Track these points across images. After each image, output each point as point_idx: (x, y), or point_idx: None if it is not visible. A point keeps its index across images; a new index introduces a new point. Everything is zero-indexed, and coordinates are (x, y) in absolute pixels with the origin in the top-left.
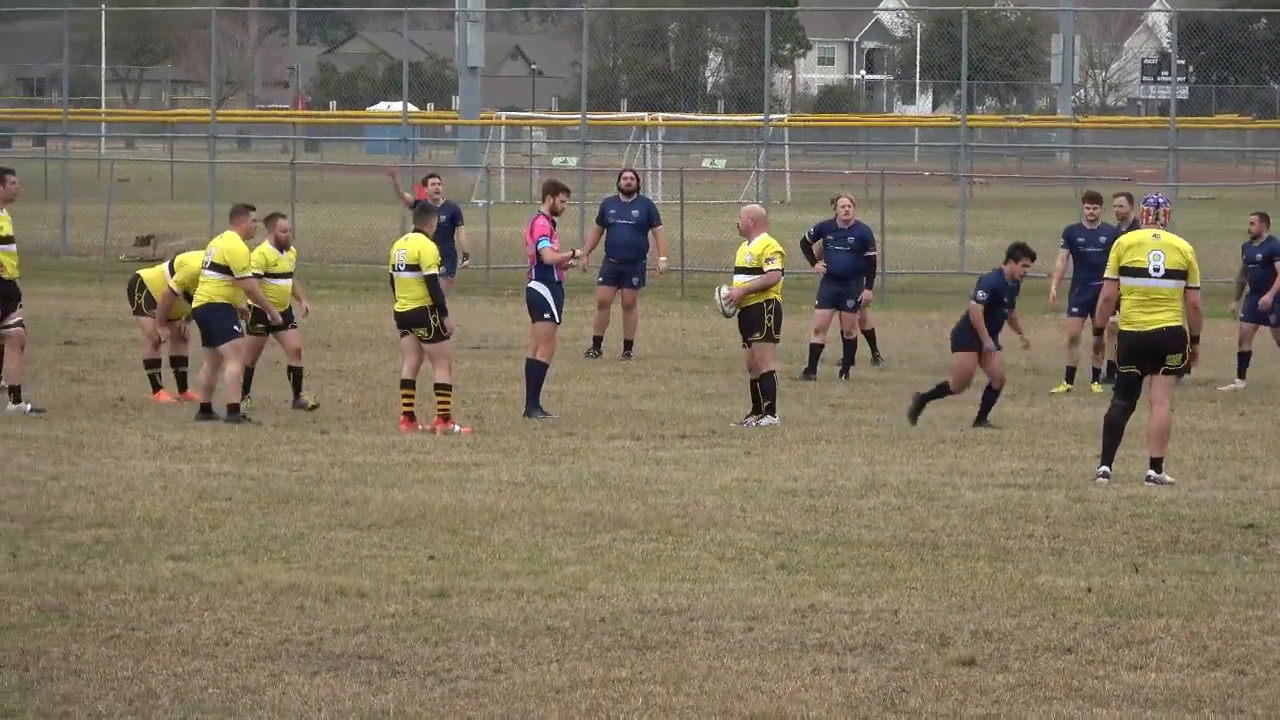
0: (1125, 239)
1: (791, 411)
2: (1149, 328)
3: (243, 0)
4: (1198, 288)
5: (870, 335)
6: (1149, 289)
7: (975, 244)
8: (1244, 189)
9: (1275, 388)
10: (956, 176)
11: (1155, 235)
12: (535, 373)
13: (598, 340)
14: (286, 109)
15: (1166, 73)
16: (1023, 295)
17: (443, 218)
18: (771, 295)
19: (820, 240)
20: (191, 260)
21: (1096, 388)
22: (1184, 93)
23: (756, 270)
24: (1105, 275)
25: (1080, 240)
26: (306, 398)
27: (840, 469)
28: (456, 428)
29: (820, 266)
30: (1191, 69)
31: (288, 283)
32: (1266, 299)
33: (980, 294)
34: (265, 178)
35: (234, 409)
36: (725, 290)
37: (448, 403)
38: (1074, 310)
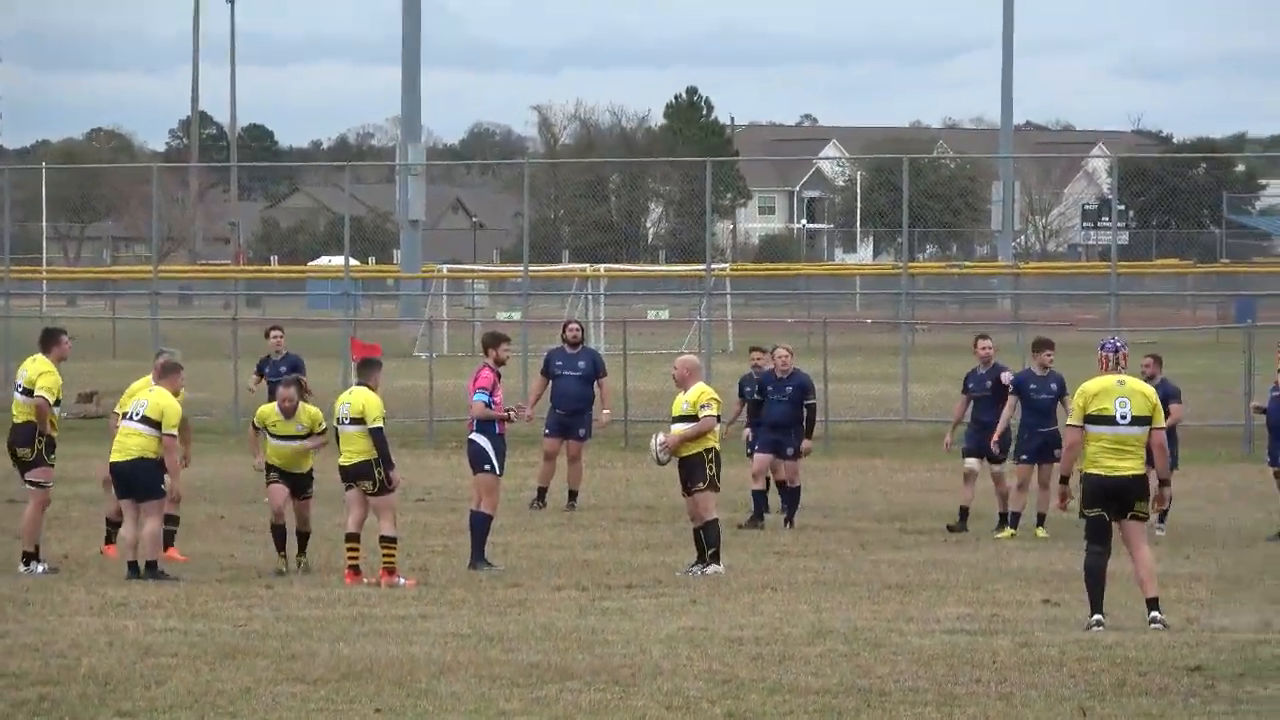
0: (1090, 386)
1: (737, 559)
2: (1116, 474)
3: (184, 156)
4: (1162, 428)
5: (795, 493)
6: (1117, 436)
7: (918, 391)
8: (1185, 333)
9: (1218, 530)
10: (898, 324)
11: (1120, 381)
12: (479, 525)
13: (542, 491)
14: (228, 264)
15: (1107, 218)
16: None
17: (283, 369)
18: (711, 444)
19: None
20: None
21: (1040, 532)
22: (1124, 238)
23: (694, 418)
24: (1070, 423)
25: (1032, 387)
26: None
27: (787, 616)
28: (402, 580)
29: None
30: (1132, 214)
31: (289, 444)
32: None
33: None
34: (208, 333)
35: (154, 565)
36: (661, 438)
37: (393, 556)
38: (1023, 457)
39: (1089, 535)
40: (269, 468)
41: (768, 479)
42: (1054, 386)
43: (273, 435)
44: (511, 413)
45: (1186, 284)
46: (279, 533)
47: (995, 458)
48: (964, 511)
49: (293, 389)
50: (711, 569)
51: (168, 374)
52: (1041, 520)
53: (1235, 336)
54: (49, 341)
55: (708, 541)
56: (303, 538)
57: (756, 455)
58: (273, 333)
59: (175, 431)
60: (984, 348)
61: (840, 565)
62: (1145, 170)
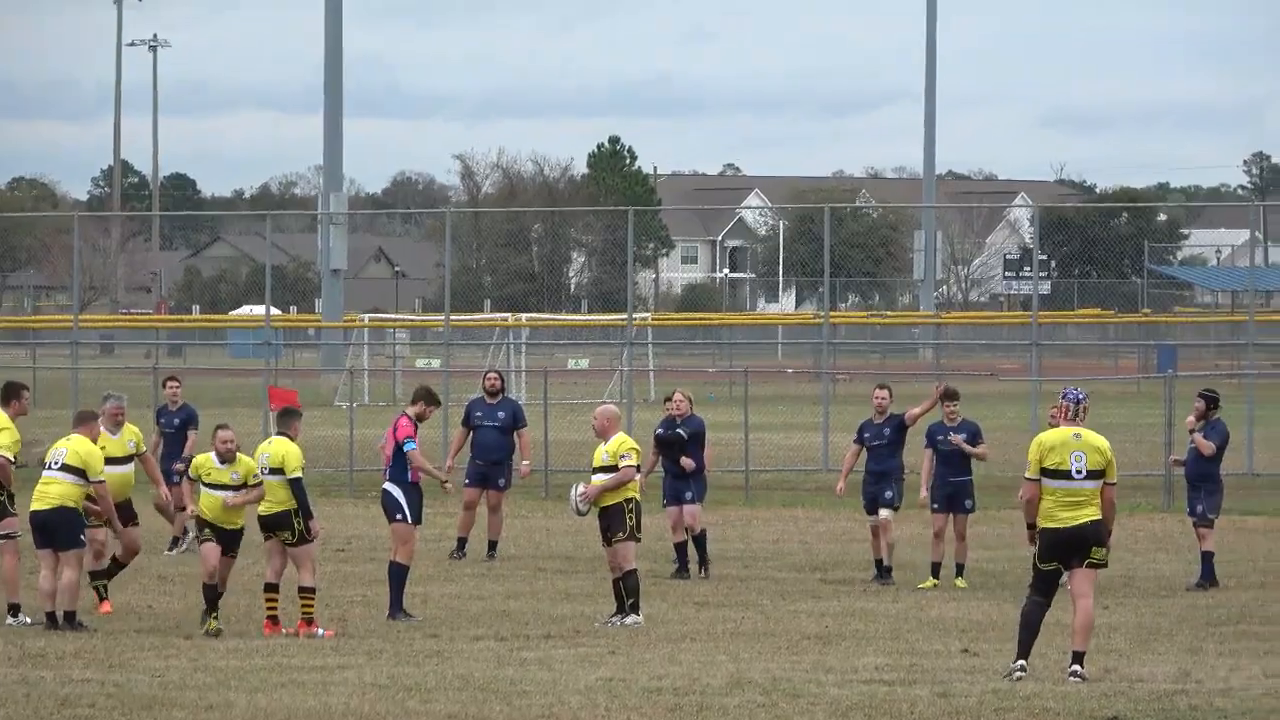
0: (1045, 438)
1: (656, 609)
2: (1073, 523)
3: (106, 205)
4: (1114, 484)
5: (701, 538)
6: (1071, 490)
7: (838, 440)
8: (1106, 383)
9: (1138, 579)
10: (820, 373)
11: (1076, 435)
12: (397, 574)
13: (462, 541)
14: (150, 313)
15: (1028, 268)
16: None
17: (176, 421)
18: (631, 494)
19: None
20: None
21: (960, 582)
22: (1046, 287)
23: (614, 469)
24: (1026, 475)
25: (940, 438)
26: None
27: (705, 667)
28: (320, 631)
29: (687, 462)
30: (1054, 264)
31: (221, 494)
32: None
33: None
34: (129, 382)
35: (72, 616)
36: (580, 489)
37: (312, 605)
38: (935, 506)
39: (1034, 585)
40: (201, 524)
41: (688, 529)
42: (962, 436)
43: (206, 484)
44: (448, 486)
45: (1108, 334)
46: (211, 592)
47: (887, 504)
48: (879, 563)
49: (230, 431)
50: (631, 619)
51: (86, 422)
52: (960, 570)
53: (1156, 386)
54: (9, 395)
55: (627, 592)
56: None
57: (667, 509)
58: (169, 383)
59: (104, 478)
60: (879, 397)
61: (759, 615)
62: (1067, 220)
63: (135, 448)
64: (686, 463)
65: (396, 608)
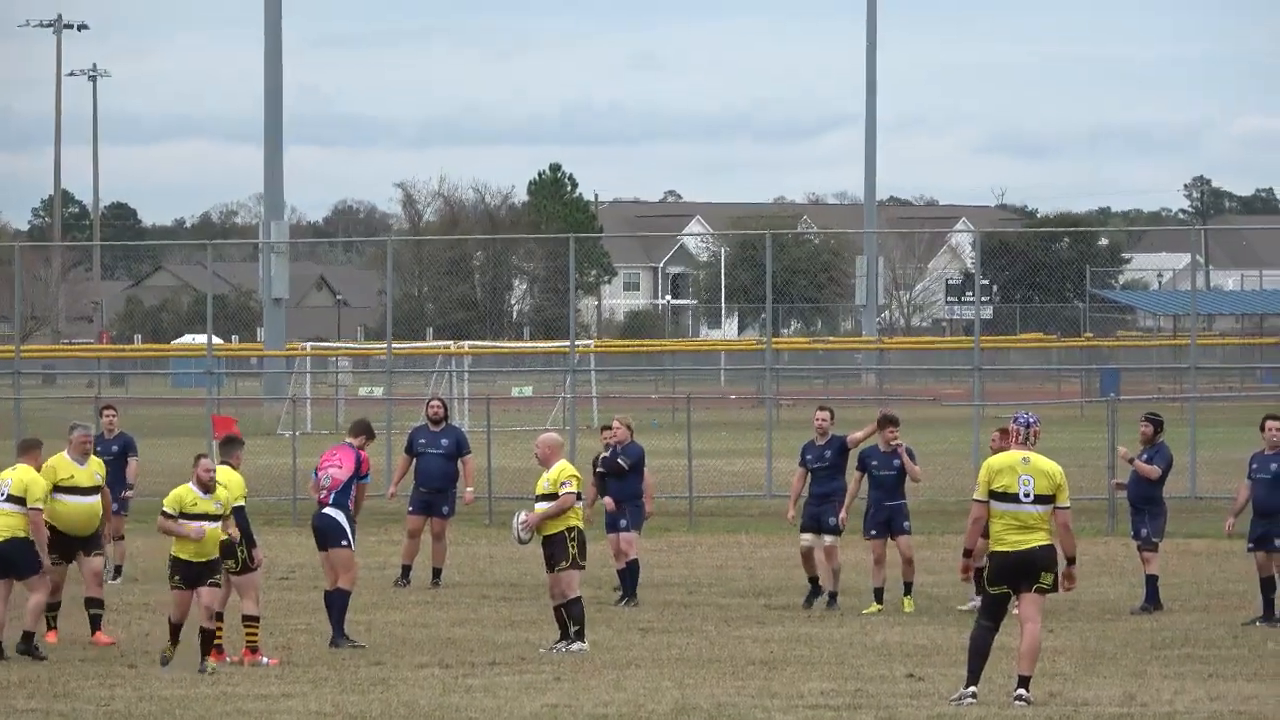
0: (994, 462)
1: (601, 636)
2: (1022, 547)
3: (47, 235)
4: (1067, 508)
5: (633, 566)
6: (1019, 514)
7: (781, 466)
8: (1049, 407)
9: (1083, 603)
10: (763, 399)
11: (1025, 459)
12: (339, 602)
13: (406, 569)
14: (91, 343)
15: (971, 293)
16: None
17: (115, 448)
18: (574, 523)
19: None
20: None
21: (908, 603)
22: (988, 312)
23: (555, 496)
24: (974, 497)
25: (874, 463)
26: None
27: (651, 693)
28: (264, 659)
29: (608, 502)
30: (995, 288)
31: (206, 525)
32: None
33: None
34: (72, 413)
35: (30, 637)
36: (522, 517)
37: (256, 634)
38: (873, 532)
39: (983, 609)
40: (175, 565)
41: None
42: (896, 463)
43: (186, 517)
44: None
45: (1050, 358)
46: (176, 630)
47: (830, 530)
48: (814, 582)
49: (208, 459)
50: (575, 646)
51: (30, 451)
52: (908, 589)
53: (1099, 410)
54: None
55: (571, 619)
56: (205, 635)
57: (609, 537)
58: (105, 411)
59: (40, 505)
60: (820, 419)
61: (704, 641)
62: (1009, 245)
63: (101, 479)
64: (607, 502)
65: (339, 635)
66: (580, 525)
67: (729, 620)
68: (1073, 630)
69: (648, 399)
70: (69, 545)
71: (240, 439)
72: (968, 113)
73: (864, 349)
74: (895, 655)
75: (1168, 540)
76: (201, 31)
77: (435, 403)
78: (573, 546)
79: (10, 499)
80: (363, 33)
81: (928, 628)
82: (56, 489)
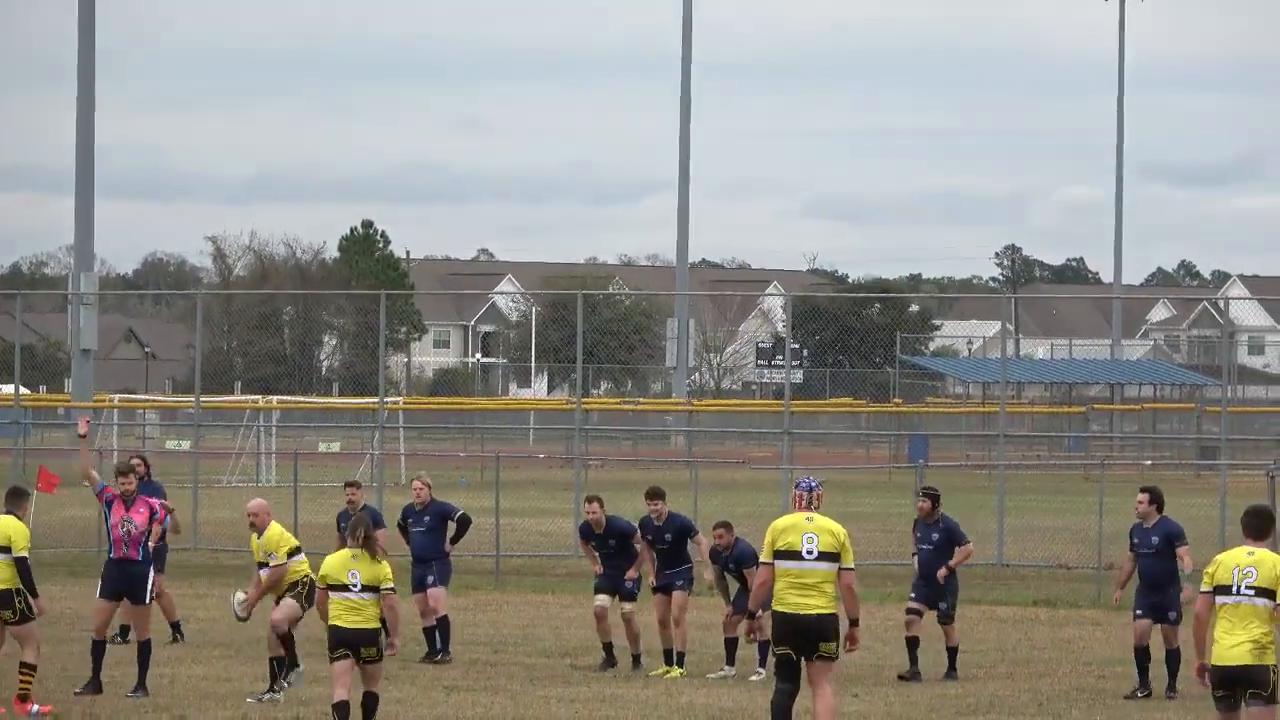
0: (778, 522)
1: (405, 693)
2: (802, 611)
3: None
4: (851, 569)
5: (443, 623)
6: (802, 571)
7: None
8: (858, 472)
9: (888, 668)
10: (572, 459)
11: (809, 518)
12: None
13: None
14: None
15: (781, 356)
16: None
17: None
18: (296, 577)
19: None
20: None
21: (676, 671)
22: (798, 376)
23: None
24: (760, 560)
25: (649, 537)
26: None
27: None
28: (35, 708)
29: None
30: (806, 352)
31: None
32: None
33: None
34: None
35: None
36: (240, 595)
37: (29, 682)
38: (658, 595)
39: (777, 672)
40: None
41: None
42: (668, 537)
43: None
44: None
45: (860, 423)
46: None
47: (627, 595)
48: (608, 649)
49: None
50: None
51: (22, 500)
52: (680, 659)
53: (907, 476)
54: None
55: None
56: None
57: (414, 594)
58: None
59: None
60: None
61: (509, 700)
62: (820, 309)
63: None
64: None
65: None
66: (309, 577)
67: (534, 680)
68: (877, 695)
69: (456, 456)
70: None
71: (27, 491)
72: (787, 178)
73: (674, 410)
74: (700, 717)
75: (975, 606)
76: (13, 83)
77: (136, 459)
78: (302, 590)
79: None
80: (179, 90)
81: (733, 690)
82: None
